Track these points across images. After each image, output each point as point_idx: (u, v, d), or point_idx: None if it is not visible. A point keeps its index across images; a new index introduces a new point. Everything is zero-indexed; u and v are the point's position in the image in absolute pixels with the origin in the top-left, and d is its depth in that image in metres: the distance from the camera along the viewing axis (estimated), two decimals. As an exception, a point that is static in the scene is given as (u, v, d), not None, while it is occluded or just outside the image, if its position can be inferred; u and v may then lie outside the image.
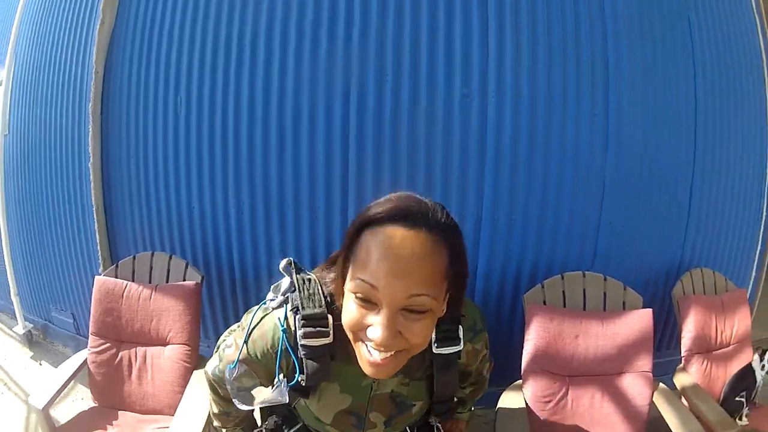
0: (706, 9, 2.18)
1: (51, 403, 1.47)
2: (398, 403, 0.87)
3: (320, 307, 0.77)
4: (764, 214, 2.47)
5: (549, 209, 1.91)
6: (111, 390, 1.72)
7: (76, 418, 1.59)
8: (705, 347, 1.91)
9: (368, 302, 0.64)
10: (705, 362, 1.88)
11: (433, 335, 0.80)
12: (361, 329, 0.66)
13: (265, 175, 1.98)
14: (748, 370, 1.89)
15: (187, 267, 1.95)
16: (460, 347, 0.82)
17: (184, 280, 1.93)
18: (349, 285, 0.66)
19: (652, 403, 1.63)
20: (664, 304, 2.11)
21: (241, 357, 0.82)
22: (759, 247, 2.48)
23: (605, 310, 1.79)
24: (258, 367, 0.82)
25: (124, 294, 1.82)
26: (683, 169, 2.09)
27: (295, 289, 0.79)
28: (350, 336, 0.69)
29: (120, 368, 1.74)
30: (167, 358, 1.72)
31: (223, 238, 2.10)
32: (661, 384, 1.74)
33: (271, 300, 0.83)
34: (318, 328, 0.76)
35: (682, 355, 1.91)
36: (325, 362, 0.78)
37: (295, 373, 0.79)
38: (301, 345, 0.76)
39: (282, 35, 1.91)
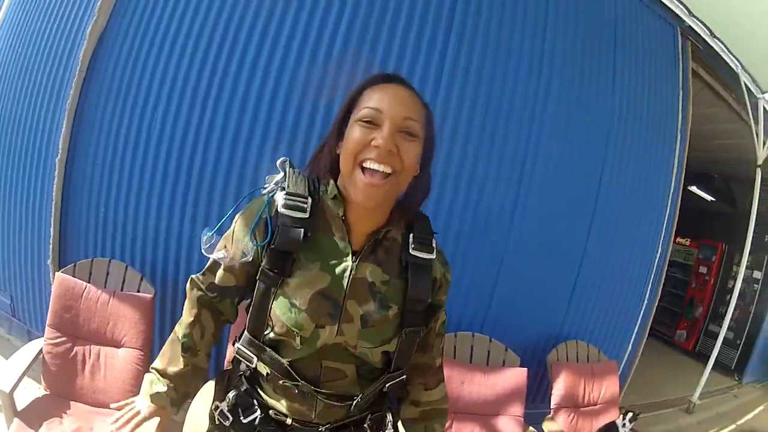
0: (627, 125, 2.88)
1: (16, 387, 1.67)
2: (377, 299, 0.93)
3: (304, 189, 0.93)
4: (644, 302, 3.21)
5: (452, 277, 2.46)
6: (64, 381, 1.92)
7: (31, 404, 1.79)
8: (572, 404, 2.48)
9: (372, 124, 0.84)
10: (572, 416, 2.46)
11: (410, 241, 0.96)
12: (364, 146, 0.84)
13: (222, 203, 2.28)
14: (612, 426, 2.49)
15: (141, 280, 2.22)
16: (433, 256, 0.97)
17: (138, 291, 2.18)
18: (355, 117, 0.87)
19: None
20: (540, 366, 2.68)
21: (224, 233, 0.97)
22: (636, 328, 3.20)
23: (488, 365, 2.32)
24: (230, 242, 0.96)
25: (84, 294, 2.05)
26: (572, 261, 2.73)
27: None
28: (349, 165, 0.86)
29: (74, 362, 1.95)
30: (120, 359, 1.98)
31: (172, 257, 2.35)
32: (531, 428, 2.30)
33: (264, 188, 0.97)
34: (297, 202, 0.91)
35: (552, 407, 2.47)
36: (297, 233, 0.89)
37: (267, 240, 0.91)
38: (280, 213, 0.90)
39: (240, 79, 2.26)
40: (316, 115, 2.24)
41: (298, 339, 0.90)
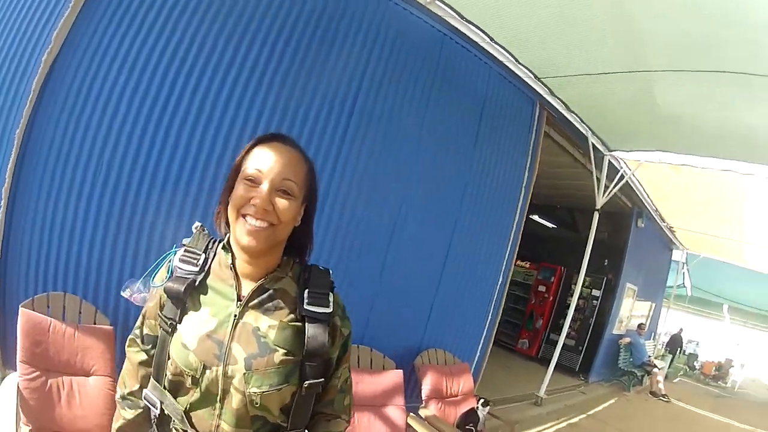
0: (483, 178, 4.18)
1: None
2: (261, 343, 1.02)
3: (202, 246, 1.13)
4: (489, 316, 4.45)
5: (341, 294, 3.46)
6: (44, 413, 2.13)
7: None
8: (439, 396, 3.56)
9: (254, 182, 1.00)
10: (440, 404, 3.53)
11: (306, 296, 1.08)
12: (246, 202, 0.99)
13: (160, 243, 2.66)
14: (472, 411, 3.57)
15: (96, 312, 2.59)
16: (329, 309, 1.08)
17: (95, 323, 2.53)
18: (241, 176, 1.03)
19: (408, 425, 3.15)
20: (413, 369, 3.73)
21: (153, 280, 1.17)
22: (483, 337, 4.45)
23: (372, 368, 3.28)
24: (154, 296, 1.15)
25: (50, 329, 2.35)
26: (428, 291, 3.92)
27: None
28: (233, 217, 1.02)
29: (50, 394, 2.19)
30: (93, 387, 2.33)
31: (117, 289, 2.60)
32: (411, 413, 3.27)
33: (181, 246, 1.15)
34: (190, 258, 1.10)
35: (423, 399, 3.51)
36: (183, 282, 1.05)
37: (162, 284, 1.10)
38: (175, 266, 1.09)
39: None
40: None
41: (189, 379, 1.02)
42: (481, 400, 3.60)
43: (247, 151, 1.06)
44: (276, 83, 2.97)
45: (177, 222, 2.72)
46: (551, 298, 8.79)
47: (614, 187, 6.03)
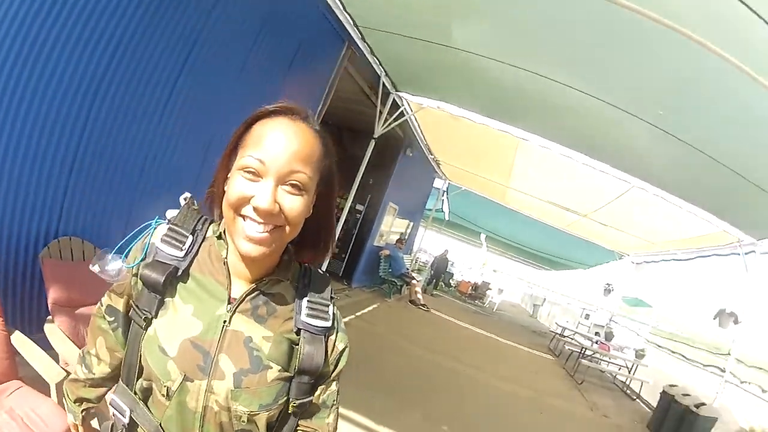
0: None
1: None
2: (253, 357, 0.89)
3: (190, 226, 0.94)
4: None
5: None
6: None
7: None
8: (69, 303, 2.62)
9: (255, 175, 0.80)
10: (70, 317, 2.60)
11: (304, 306, 0.94)
12: (244, 202, 0.81)
13: None
14: None
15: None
16: (328, 324, 0.95)
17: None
18: (238, 164, 0.83)
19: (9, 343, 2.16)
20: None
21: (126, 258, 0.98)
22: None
23: None
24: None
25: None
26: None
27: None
28: (230, 215, 0.83)
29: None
30: None
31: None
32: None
33: (161, 221, 0.97)
34: (175, 239, 0.92)
35: (50, 306, 2.56)
36: (164, 269, 0.88)
37: (137, 263, 0.93)
38: (156, 246, 0.91)
39: None
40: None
41: (164, 389, 0.87)
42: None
43: (246, 129, 0.88)
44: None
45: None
46: None
47: (394, 122, 6.95)
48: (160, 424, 0.89)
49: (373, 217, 9.88)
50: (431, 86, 6.23)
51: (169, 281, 0.89)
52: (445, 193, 14.57)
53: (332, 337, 0.97)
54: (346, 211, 7.38)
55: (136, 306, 0.91)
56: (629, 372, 9.66)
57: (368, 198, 9.68)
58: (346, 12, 4.54)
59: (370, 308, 8.68)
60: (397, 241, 12.00)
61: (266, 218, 0.81)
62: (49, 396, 2.01)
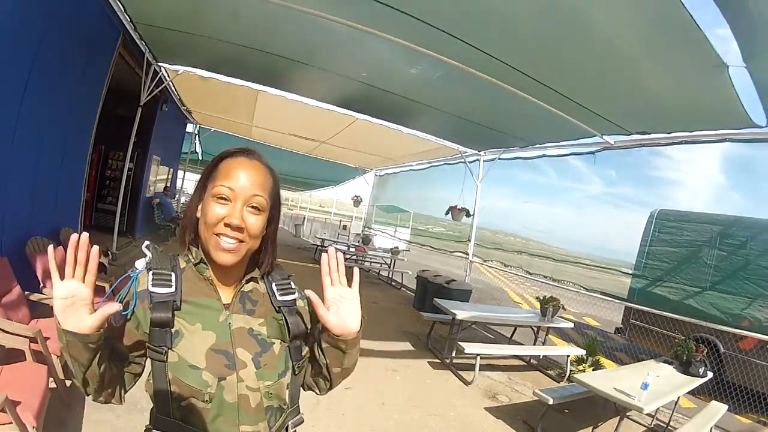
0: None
1: None
2: (259, 341, 1.14)
3: (168, 265, 1.14)
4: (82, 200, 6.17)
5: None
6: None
7: None
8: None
9: (225, 200, 1.07)
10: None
11: (276, 290, 1.21)
12: (218, 221, 1.07)
13: None
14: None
15: None
16: (296, 295, 1.25)
17: None
18: (211, 192, 1.09)
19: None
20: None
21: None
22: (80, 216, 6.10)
23: None
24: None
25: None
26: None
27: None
28: (207, 235, 1.09)
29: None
30: None
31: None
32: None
33: (135, 270, 1.13)
34: (163, 280, 1.10)
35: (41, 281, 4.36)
36: (168, 307, 1.07)
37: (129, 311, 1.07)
38: (150, 292, 1.09)
39: None
40: None
41: (206, 396, 1.06)
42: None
43: (214, 166, 1.13)
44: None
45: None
46: (93, 173, 9.98)
47: (155, 88, 8.05)
48: (206, 430, 1.06)
49: (142, 171, 10.66)
50: (186, 57, 7.44)
51: (173, 314, 1.08)
52: (197, 136, 15.52)
53: (300, 303, 1.25)
54: (126, 169, 8.36)
55: (153, 346, 1.06)
56: (390, 267, 11.60)
57: (136, 155, 10.26)
58: (120, 2, 5.42)
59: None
60: (164, 188, 12.97)
61: (236, 232, 1.06)
62: None
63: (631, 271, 7.41)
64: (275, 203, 1.18)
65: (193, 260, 1.16)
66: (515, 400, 5.29)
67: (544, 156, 8.67)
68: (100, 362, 0.98)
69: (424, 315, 7.13)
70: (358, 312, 1.15)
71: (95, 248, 0.93)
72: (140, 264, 1.12)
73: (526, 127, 7.32)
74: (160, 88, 8.15)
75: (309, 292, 1.15)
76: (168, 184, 13.75)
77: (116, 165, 10.38)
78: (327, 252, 1.16)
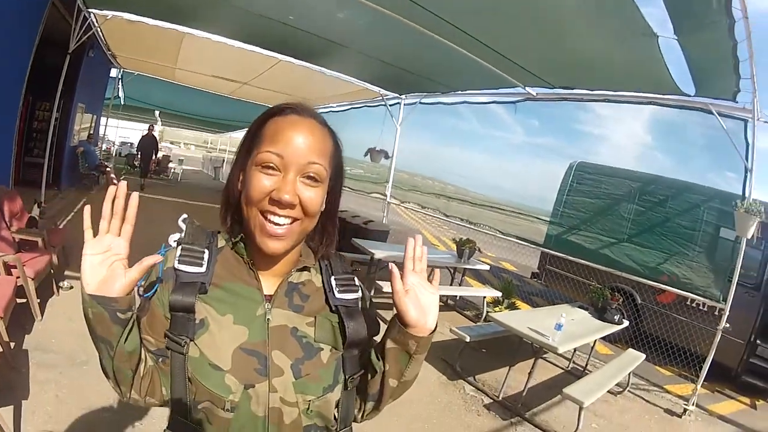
0: None
1: None
2: (303, 344, 0.92)
3: (203, 242, 0.95)
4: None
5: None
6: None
7: None
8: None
9: (273, 170, 0.85)
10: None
11: (334, 285, 0.99)
12: (264, 197, 0.85)
13: None
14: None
15: None
16: (359, 294, 1.02)
17: None
18: (255, 160, 0.87)
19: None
20: None
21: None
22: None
23: None
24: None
25: None
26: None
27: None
28: (251, 212, 0.87)
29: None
30: None
31: None
32: None
33: (167, 247, 0.95)
34: (193, 257, 0.92)
35: None
36: (193, 288, 0.89)
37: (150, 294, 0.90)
38: (176, 269, 0.90)
39: None
40: None
41: (227, 404, 0.87)
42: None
43: (258, 127, 0.92)
44: None
45: None
46: (21, 125, 9.43)
47: (84, 36, 7.66)
48: None
49: (68, 121, 10.18)
50: (115, 1, 7.07)
51: (198, 299, 0.89)
52: (120, 80, 14.57)
53: (365, 303, 1.04)
54: (54, 119, 8.05)
55: (173, 334, 0.88)
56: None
57: (61, 103, 9.67)
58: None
59: (80, 204, 9.12)
60: (87, 137, 12.46)
61: (287, 210, 0.85)
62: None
63: (548, 219, 7.69)
64: (337, 172, 0.98)
65: (233, 238, 0.97)
66: (433, 339, 5.78)
67: (465, 102, 8.82)
68: (130, 342, 0.85)
69: (343, 255, 7.30)
70: (437, 309, 0.96)
71: (135, 194, 0.84)
72: (172, 239, 0.96)
73: (449, 74, 7.41)
74: (88, 34, 7.73)
75: (391, 265, 1.00)
76: (92, 132, 13.16)
77: (43, 116, 9.83)
78: (414, 238, 0.96)
